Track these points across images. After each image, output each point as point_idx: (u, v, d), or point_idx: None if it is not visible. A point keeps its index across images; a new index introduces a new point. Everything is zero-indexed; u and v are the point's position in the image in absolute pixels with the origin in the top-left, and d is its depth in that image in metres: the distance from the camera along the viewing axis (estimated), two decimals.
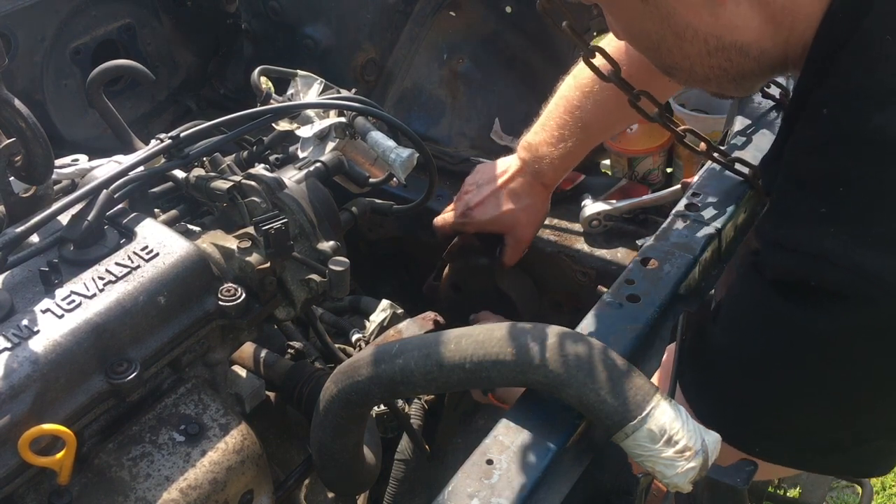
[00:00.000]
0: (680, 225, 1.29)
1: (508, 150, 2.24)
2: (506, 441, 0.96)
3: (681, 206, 1.33)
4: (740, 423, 1.07)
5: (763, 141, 1.46)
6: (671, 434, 0.89)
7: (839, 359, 0.96)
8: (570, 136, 1.64)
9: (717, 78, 1.10)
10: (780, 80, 1.54)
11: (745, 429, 1.07)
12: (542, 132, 1.69)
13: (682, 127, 1.35)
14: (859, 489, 1.81)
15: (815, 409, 1.02)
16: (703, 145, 1.34)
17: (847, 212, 0.92)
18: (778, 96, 1.53)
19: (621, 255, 1.86)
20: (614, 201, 1.90)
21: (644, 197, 1.93)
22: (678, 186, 1.81)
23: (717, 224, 1.29)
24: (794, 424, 1.05)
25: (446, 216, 1.80)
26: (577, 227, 1.87)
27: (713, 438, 0.91)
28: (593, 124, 1.63)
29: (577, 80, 1.64)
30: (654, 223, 1.88)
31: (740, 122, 1.52)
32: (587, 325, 1.13)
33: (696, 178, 1.42)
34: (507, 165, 1.75)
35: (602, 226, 1.89)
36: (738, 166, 1.36)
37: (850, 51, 0.94)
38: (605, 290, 1.23)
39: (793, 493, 2.06)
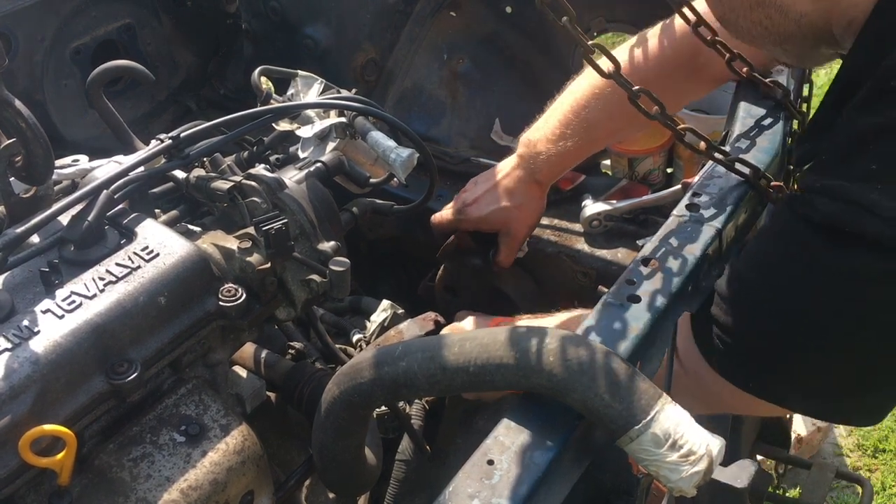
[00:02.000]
0: (680, 225, 1.29)
1: (509, 150, 2.24)
2: (506, 441, 0.96)
3: (681, 206, 1.33)
4: (748, 360, 1.09)
5: (764, 141, 1.46)
6: (676, 438, 0.89)
7: (870, 304, 0.97)
8: (572, 135, 1.61)
9: (761, 36, 1.11)
10: (782, 79, 1.54)
11: (752, 367, 1.09)
12: (543, 128, 1.67)
13: (682, 126, 1.35)
14: (859, 489, 1.81)
15: (836, 350, 1.03)
16: (702, 144, 1.34)
17: None
18: (778, 96, 1.52)
19: (622, 255, 1.86)
20: (615, 201, 1.90)
21: (644, 197, 1.93)
22: (678, 187, 1.80)
23: (718, 224, 1.28)
24: (809, 365, 1.06)
25: (443, 213, 1.79)
26: (578, 227, 1.87)
27: (718, 443, 0.91)
28: (598, 126, 1.60)
29: (588, 80, 1.62)
30: (655, 223, 1.88)
31: (741, 123, 1.52)
32: (588, 325, 1.12)
33: (696, 179, 1.42)
34: (506, 163, 1.74)
35: (602, 226, 1.89)
36: (738, 166, 1.36)
37: None
38: (605, 290, 1.22)
39: (793, 493, 2.06)
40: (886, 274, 0.94)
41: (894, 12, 0.97)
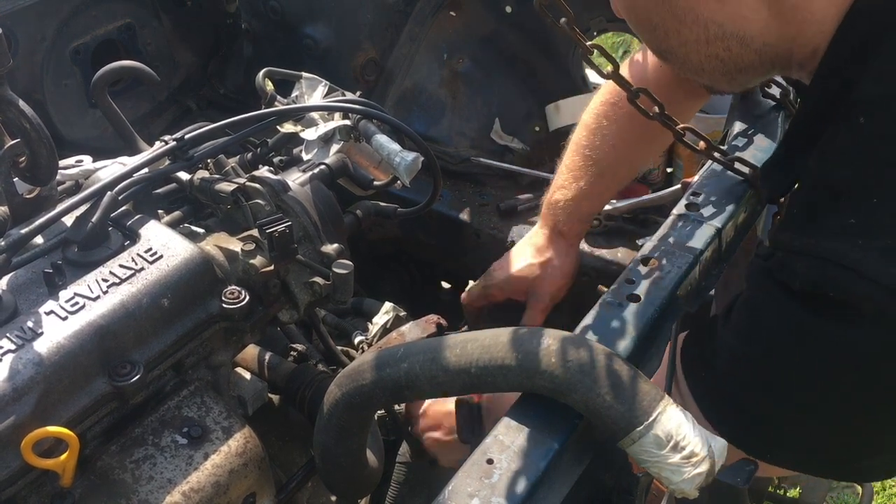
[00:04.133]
0: (680, 225, 1.29)
1: (508, 150, 2.25)
2: (506, 440, 0.96)
3: (681, 205, 1.33)
4: (751, 430, 1.04)
5: (763, 141, 1.46)
6: (678, 440, 0.89)
7: (863, 372, 0.93)
8: (582, 175, 1.56)
9: (712, 69, 1.06)
10: (780, 79, 1.54)
11: (755, 436, 1.05)
12: (554, 183, 1.62)
13: (681, 125, 1.35)
14: (859, 489, 1.81)
15: (831, 421, 0.99)
16: (702, 144, 1.34)
17: (878, 224, 0.88)
18: (778, 96, 1.53)
19: (621, 254, 1.87)
20: (614, 201, 1.90)
21: (644, 197, 1.93)
22: (678, 186, 1.81)
23: (718, 223, 1.29)
24: (808, 435, 1.02)
25: (470, 288, 1.71)
26: None
27: (720, 444, 0.91)
28: (604, 160, 1.56)
29: (583, 123, 1.58)
30: (654, 223, 1.88)
31: (740, 122, 1.52)
32: (587, 324, 1.12)
33: (696, 178, 1.42)
34: (532, 229, 1.68)
35: (602, 226, 1.90)
36: (738, 166, 1.36)
37: (887, 54, 0.90)
38: (605, 289, 1.23)
39: (793, 493, 2.06)
40: (883, 342, 0.89)
41: (854, 40, 0.93)
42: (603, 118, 1.54)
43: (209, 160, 1.33)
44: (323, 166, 1.38)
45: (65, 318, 1.04)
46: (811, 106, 1.04)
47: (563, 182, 1.60)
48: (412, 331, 1.49)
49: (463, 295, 1.73)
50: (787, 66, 1.05)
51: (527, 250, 1.65)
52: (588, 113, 1.59)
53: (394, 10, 2.15)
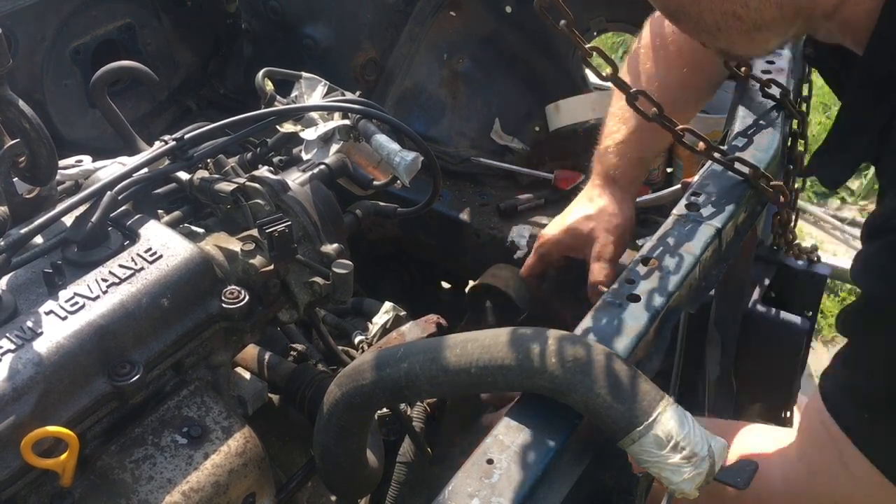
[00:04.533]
0: (680, 225, 1.29)
1: (508, 150, 2.25)
2: (506, 440, 0.96)
3: (681, 205, 1.33)
4: None
5: (763, 141, 1.46)
6: (678, 440, 0.89)
7: None
8: (631, 116, 1.48)
9: (729, 28, 1.02)
10: (782, 79, 1.54)
11: None
12: (604, 131, 1.55)
13: (681, 126, 1.35)
14: None
15: None
16: (701, 144, 1.34)
17: None
18: (778, 96, 1.53)
19: None
20: None
21: (644, 197, 1.94)
22: (678, 186, 1.80)
23: (718, 223, 1.29)
24: None
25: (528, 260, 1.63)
26: None
27: (720, 444, 0.91)
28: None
29: (626, 70, 1.51)
30: (654, 223, 1.88)
31: (741, 122, 1.52)
32: (587, 325, 1.12)
33: (696, 178, 1.42)
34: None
35: None
36: (738, 166, 1.36)
37: None
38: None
39: None
40: None
41: None
42: (646, 61, 1.48)
43: (209, 160, 1.33)
44: (323, 166, 1.38)
45: (64, 318, 1.04)
46: (868, 79, 0.99)
47: (612, 128, 1.53)
48: (412, 331, 1.49)
49: (523, 269, 1.65)
50: (811, 19, 1.01)
51: (580, 203, 1.57)
52: (630, 59, 1.53)
53: (394, 10, 2.15)
